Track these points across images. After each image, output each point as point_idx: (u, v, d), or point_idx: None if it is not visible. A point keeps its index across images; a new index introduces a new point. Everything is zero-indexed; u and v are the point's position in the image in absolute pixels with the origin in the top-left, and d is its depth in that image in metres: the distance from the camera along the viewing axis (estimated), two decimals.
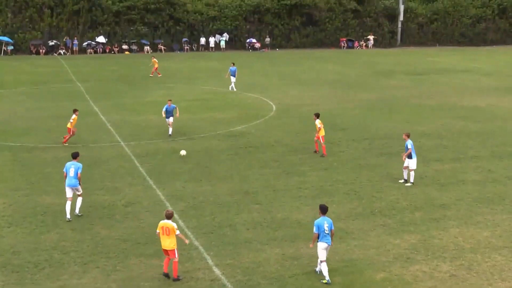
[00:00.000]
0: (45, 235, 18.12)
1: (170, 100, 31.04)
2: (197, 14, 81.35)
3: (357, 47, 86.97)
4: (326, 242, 15.22)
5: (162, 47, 78.88)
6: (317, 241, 15.31)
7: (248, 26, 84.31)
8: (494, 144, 29.57)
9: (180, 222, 19.14)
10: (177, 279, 15.33)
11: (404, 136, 23.65)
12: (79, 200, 19.83)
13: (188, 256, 16.68)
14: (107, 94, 44.10)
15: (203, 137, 30.82)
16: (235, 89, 45.55)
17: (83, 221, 19.29)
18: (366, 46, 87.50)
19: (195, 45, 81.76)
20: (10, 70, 58.94)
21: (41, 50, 74.37)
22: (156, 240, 17.27)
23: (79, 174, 19.61)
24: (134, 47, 78.33)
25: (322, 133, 27.29)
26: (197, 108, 38.80)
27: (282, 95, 43.94)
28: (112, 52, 76.94)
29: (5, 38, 73.01)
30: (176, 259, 15.43)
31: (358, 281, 15.37)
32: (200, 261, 16.47)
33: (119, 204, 20.84)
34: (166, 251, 15.54)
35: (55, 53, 74.84)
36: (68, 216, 19.41)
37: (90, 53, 75.90)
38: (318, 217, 15.49)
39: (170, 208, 17.78)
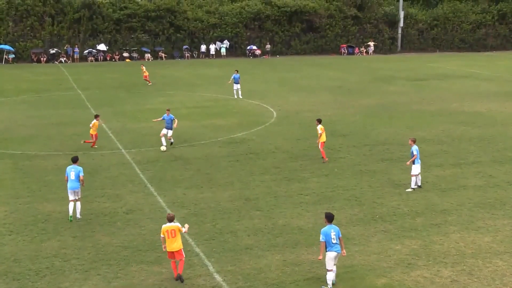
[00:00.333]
0: (46, 243, 18.13)
1: (169, 110, 30.31)
2: (197, 21, 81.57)
3: (358, 53, 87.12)
4: (336, 251, 15.01)
5: (163, 55, 79.06)
6: (325, 251, 15.07)
7: (248, 33, 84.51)
8: (495, 149, 29.57)
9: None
10: (181, 276, 15.55)
11: (410, 142, 23.59)
12: (78, 205, 20.13)
13: (189, 263, 16.66)
14: (108, 102, 44.18)
15: (204, 144, 30.85)
16: (240, 96, 45.38)
17: (84, 228, 19.30)
18: (367, 52, 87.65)
19: (196, 52, 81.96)
20: (11, 78, 59.10)
21: (42, 58, 74.60)
22: (157, 247, 17.33)
23: (81, 177, 20.00)
24: (134, 54, 78.53)
25: (323, 139, 27.35)
26: (197, 115, 38.86)
27: (283, 102, 44.00)
28: (113, 60, 77.12)
29: (7, 47, 73.28)
30: (184, 257, 15.71)
31: (359, 287, 15.35)
32: (201, 267, 16.47)
33: (120, 211, 20.85)
34: (173, 254, 15.65)
35: (56, 61, 75.05)
36: (71, 213, 19.95)
37: (91, 61, 76.08)
38: (324, 226, 15.25)
39: (171, 212, 17.80)
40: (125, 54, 77.96)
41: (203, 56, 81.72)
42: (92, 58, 76.54)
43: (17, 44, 74.67)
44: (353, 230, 19.11)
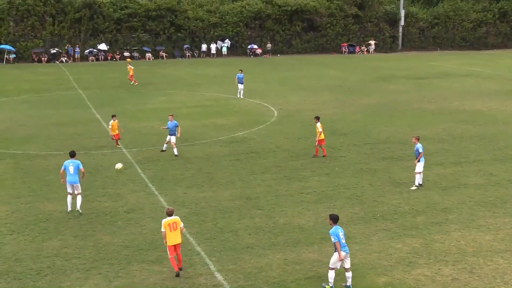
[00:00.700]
0: (47, 242, 18.15)
1: (172, 115, 29.08)
2: (198, 21, 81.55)
3: (358, 52, 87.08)
4: (345, 251, 14.98)
5: (164, 54, 79.06)
6: (334, 250, 15.04)
7: (249, 32, 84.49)
8: (496, 148, 29.56)
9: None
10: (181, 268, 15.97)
11: (413, 140, 23.58)
12: (79, 198, 20.54)
13: (190, 262, 16.69)
14: (108, 101, 44.20)
15: (205, 143, 30.87)
16: (241, 96, 45.18)
17: (85, 227, 19.32)
18: (367, 51, 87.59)
19: (197, 51, 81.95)
20: (12, 78, 59.14)
21: (43, 58, 74.61)
22: (159, 246, 17.35)
23: (82, 169, 20.63)
24: (135, 54, 78.52)
25: (322, 136, 27.43)
26: (198, 114, 38.88)
27: (284, 101, 44.00)
28: (114, 59, 77.12)
29: (7, 47, 73.32)
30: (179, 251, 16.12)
31: (360, 285, 15.35)
32: (202, 266, 16.48)
33: (121, 211, 20.86)
34: (174, 247, 15.86)
35: (57, 61, 75.06)
36: (70, 208, 20.51)
37: (92, 60, 76.10)
38: (330, 227, 15.09)
39: (170, 207, 17.82)
40: (126, 54, 77.96)
41: (204, 55, 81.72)
42: (93, 57, 76.57)
43: (18, 44, 74.69)
44: (354, 229, 19.11)
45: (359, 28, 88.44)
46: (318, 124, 27.50)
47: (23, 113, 39.68)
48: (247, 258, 16.97)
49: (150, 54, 78.49)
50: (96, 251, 17.48)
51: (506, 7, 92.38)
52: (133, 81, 53.20)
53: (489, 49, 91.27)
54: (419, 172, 23.17)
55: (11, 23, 75.41)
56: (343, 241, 14.99)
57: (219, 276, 15.88)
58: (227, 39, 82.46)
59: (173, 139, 28.21)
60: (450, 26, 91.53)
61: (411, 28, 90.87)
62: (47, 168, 26.14)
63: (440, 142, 30.65)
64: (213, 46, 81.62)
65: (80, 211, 20.49)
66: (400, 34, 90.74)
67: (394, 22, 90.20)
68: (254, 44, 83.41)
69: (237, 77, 45.69)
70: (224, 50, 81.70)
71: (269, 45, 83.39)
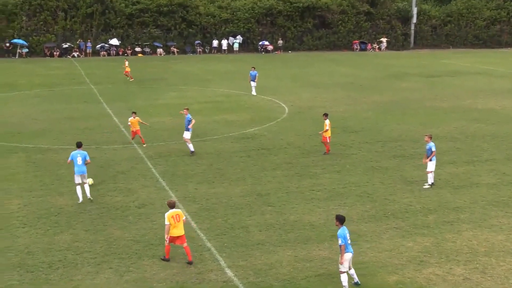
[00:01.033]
0: (59, 236, 18.23)
1: (187, 109, 28.57)
2: (209, 16, 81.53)
3: (370, 49, 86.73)
4: (351, 252, 14.88)
5: (175, 50, 79.13)
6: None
7: (260, 29, 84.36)
8: (509, 147, 29.35)
9: (193, 223, 19.20)
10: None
11: (426, 139, 23.41)
12: (87, 187, 21.31)
13: (201, 258, 16.71)
14: (120, 96, 44.31)
15: (216, 139, 30.88)
16: (254, 93, 44.83)
17: (96, 222, 19.38)
18: (379, 48, 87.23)
19: (208, 47, 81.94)
20: (24, 72, 59.40)
21: (55, 53, 74.89)
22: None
23: (88, 161, 21.37)
24: (147, 49, 78.64)
25: (329, 133, 27.40)
26: (209, 110, 38.89)
27: (295, 98, 43.92)
28: (125, 54, 77.23)
29: (20, 41, 73.65)
30: (186, 243, 16.41)
31: (370, 284, 15.31)
32: (212, 262, 16.49)
33: (132, 206, 20.91)
34: (175, 238, 16.16)
35: (69, 55, 75.31)
36: (81, 199, 21.09)
37: (104, 55, 76.28)
38: (338, 228, 14.85)
39: (171, 199, 17.85)
40: (138, 49, 78.10)
41: (215, 51, 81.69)
42: (104, 52, 76.75)
43: (30, 38, 75.01)
44: (364, 227, 19.06)
45: (371, 25, 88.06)
46: (327, 121, 27.44)
47: (35, 107, 39.86)
48: (258, 255, 16.96)
49: (161, 50, 78.59)
50: (107, 246, 17.54)
51: None
52: (129, 76, 53.26)
53: (502, 48, 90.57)
54: (431, 171, 23.04)
55: (24, 18, 75.73)
56: (349, 241, 14.86)
57: (229, 272, 15.89)
58: (239, 35, 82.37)
59: (185, 134, 27.71)
60: (463, 24, 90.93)
61: (423, 25, 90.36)
62: (59, 162, 26.22)
63: (452, 141, 30.49)
64: (224, 42, 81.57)
65: (91, 198, 21.13)
66: (412, 31, 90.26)
67: (406, 19, 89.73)
68: (266, 40, 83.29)
69: (250, 74, 45.44)
70: (236, 46, 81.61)
71: (280, 42, 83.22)
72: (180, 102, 41.34)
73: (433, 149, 22.90)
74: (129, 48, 77.84)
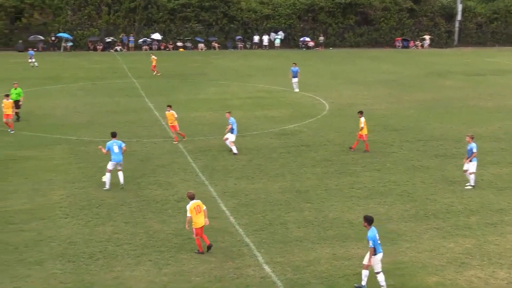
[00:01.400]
0: (100, 227, 18.51)
1: (229, 112, 28.05)
2: (251, 12, 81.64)
3: (413, 47, 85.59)
4: (381, 252, 14.70)
5: (216, 45, 79.46)
6: (374, 254, 14.68)
7: (302, 25, 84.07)
8: None
9: (232, 219, 19.27)
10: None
11: (467, 139, 22.97)
12: (121, 174, 22.16)
13: (239, 253, 16.75)
14: (161, 91, 44.72)
15: (256, 134, 30.90)
16: (297, 90, 44.46)
17: (136, 214, 19.61)
18: (422, 46, 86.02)
19: (249, 43, 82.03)
20: (69, 66, 60.49)
21: (98, 47, 76.03)
22: (208, 235, 17.46)
23: (124, 148, 22.40)
24: (188, 44, 79.17)
25: (365, 131, 27.13)
26: (250, 106, 38.93)
27: (335, 94, 43.64)
28: (167, 49, 77.92)
29: (65, 35, 75.05)
30: None
31: (409, 284, 15.11)
32: (250, 258, 16.51)
33: (171, 199, 21.09)
34: (201, 229, 16.50)
35: (112, 49, 76.36)
36: (108, 186, 21.86)
37: (146, 49, 77.06)
38: (367, 230, 14.63)
39: (190, 190, 17.92)
40: (179, 44, 78.69)
41: (256, 47, 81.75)
42: (146, 47, 77.55)
43: (75, 32, 76.37)
44: (404, 226, 18.83)
45: (413, 22, 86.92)
46: (362, 119, 27.19)
47: (79, 100, 40.54)
48: (296, 251, 16.92)
49: (202, 45, 79.02)
50: (146, 238, 17.73)
51: None
52: (155, 71, 53.56)
53: None
54: (473, 172, 22.58)
55: (69, 12, 77.15)
56: (379, 242, 14.64)
57: (267, 268, 15.88)
58: (281, 31, 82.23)
59: (231, 136, 27.09)
60: (511, 21, 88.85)
61: (468, 23, 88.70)
62: (100, 155, 26.49)
63: (496, 141, 29.86)
64: (265, 38, 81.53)
65: (124, 185, 22.03)
66: (457, 29, 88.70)
67: (450, 16, 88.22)
68: (307, 36, 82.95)
69: (291, 70, 45.16)
70: (278, 42, 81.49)
71: (321, 38, 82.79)
72: (221, 98, 41.57)
73: (474, 150, 22.44)
74: (170, 43, 78.51)
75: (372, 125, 33.05)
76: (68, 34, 75.48)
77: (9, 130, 30.67)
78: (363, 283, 14.74)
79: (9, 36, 75.13)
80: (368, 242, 14.51)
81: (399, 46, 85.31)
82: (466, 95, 44.13)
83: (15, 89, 33.85)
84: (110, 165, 22.09)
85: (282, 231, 18.39)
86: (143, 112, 36.30)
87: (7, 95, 31.66)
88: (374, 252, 14.51)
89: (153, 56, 55.37)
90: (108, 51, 75.91)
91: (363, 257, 16.33)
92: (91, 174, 23.87)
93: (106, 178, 22.00)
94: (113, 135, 22.66)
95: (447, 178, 23.76)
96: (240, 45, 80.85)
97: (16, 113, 33.41)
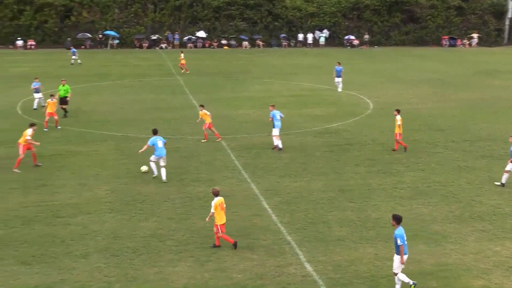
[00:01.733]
0: (143, 223, 18.76)
1: (273, 105, 28.08)
2: (295, 10, 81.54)
3: (460, 45, 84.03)
4: (407, 254, 14.53)
5: (260, 43, 79.59)
6: (396, 253, 14.51)
7: (346, 23, 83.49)
8: None
9: (274, 217, 19.28)
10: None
11: (511, 139, 22.55)
12: (164, 170, 22.71)
13: (280, 251, 16.76)
14: (205, 88, 45.04)
15: (299, 132, 30.84)
16: (339, 90, 43.86)
17: (179, 211, 19.81)
18: (470, 44, 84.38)
19: (293, 41, 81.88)
20: (115, 63, 61.52)
21: (144, 44, 77.07)
22: (250, 233, 17.60)
23: (165, 142, 23.22)
24: (233, 42, 79.51)
25: (399, 130, 26.83)
26: (293, 104, 38.86)
27: (380, 93, 43.20)
28: (212, 47, 78.45)
29: (112, 33, 76.38)
30: None
31: (453, 286, 14.85)
32: (292, 256, 16.50)
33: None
34: (223, 226, 16.70)
35: (157, 47, 77.29)
36: (156, 173, 22.94)
37: (190, 47, 77.78)
38: (395, 228, 14.48)
39: (216, 187, 17.92)
40: (224, 42, 79.12)
41: (300, 45, 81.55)
42: (191, 44, 78.25)
43: (121, 30, 77.64)
44: (448, 228, 18.52)
45: (461, 20, 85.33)
46: (398, 117, 26.85)
47: (124, 97, 41.18)
48: (338, 251, 16.83)
49: (247, 43, 79.29)
50: (189, 234, 17.89)
51: None
52: (184, 69, 53.75)
53: None
54: (509, 171, 22.13)
55: (116, 10, 78.48)
56: (406, 242, 14.46)
57: (308, 267, 15.85)
58: (325, 29, 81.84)
59: (276, 131, 27.22)
60: None
61: None
62: (145, 151, 26.92)
63: None
64: (309, 36, 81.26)
65: (166, 180, 22.54)
66: (507, 27, 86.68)
67: (500, 14, 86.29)
68: (351, 35, 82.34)
69: (335, 69, 44.70)
70: (322, 40, 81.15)
71: (366, 36, 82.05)
72: (265, 95, 41.61)
73: None
74: (215, 41, 79.01)
75: (417, 124, 32.68)
76: (115, 32, 76.79)
77: (44, 129, 30.43)
78: (408, 280, 14.61)
79: (58, 34, 76.91)
80: (396, 240, 14.29)
81: (446, 44, 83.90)
82: None
83: (63, 85, 34.62)
84: (153, 157, 23.00)
85: (324, 229, 18.32)
86: (187, 109, 36.63)
87: (52, 95, 32.31)
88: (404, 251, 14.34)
89: (182, 54, 55.69)
90: (154, 48, 76.87)
91: (408, 259, 16.17)
92: (135, 170, 24.21)
93: (152, 166, 23.00)
94: (155, 132, 23.38)
95: (494, 179, 23.23)
96: (284, 43, 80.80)
97: (64, 109, 34.18)
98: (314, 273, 15.52)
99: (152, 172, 23.14)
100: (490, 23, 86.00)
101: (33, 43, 75.31)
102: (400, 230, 14.39)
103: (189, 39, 78.61)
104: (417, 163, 25.52)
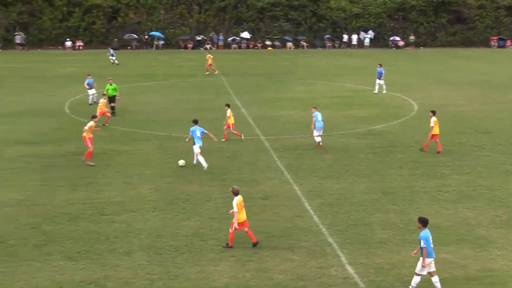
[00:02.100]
0: (186, 222, 18.95)
1: (315, 107, 28.40)
2: (340, 11, 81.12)
3: (510, 46, 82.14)
4: (432, 257, 14.36)
5: (305, 44, 79.45)
6: (420, 255, 14.39)
7: (392, 24, 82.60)
8: None
9: (315, 218, 19.23)
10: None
11: None
12: (200, 158, 24.21)
13: (322, 252, 16.71)
14: (249, 89, 45.21)
15: (342, 134, 30.67)
16: (383, 91, 43.34)
17: (221, 210, 19.93)
18: None
19: (338, 42, 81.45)
20: (161, 63, 62.30)
21: (188, 45, 77.83)
22: (292, 234, 17.60)
23: (207, 132, 24.71)
24: (277, 43, 79.57)
25: (436, 131, 26.58)
26: (337, 105, 38.66)
27: (425, 95, 42.60)
28: (256, 47, 78.69)
29: (158, 33, 77.38)
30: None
31: None
32: (333, 258, 16.44)
33: (256, 197, 21.28)
34: (243, 223, 16.92)
35: (202, 47, 77.94)
36: (204, 164, 24.08)
37: (235, 48, 78.18)
38: (421, 230, 14.39)
39: (236, 186, 17.90)
40: (268, 43, 79.25)
41: (345, 46, 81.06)
42: (235, 45, 78.62)
43: (167, 31, 78.61)
44: (495, 233, 18.14)
45: (511, 20, 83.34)
46: (433, 119, 26.42)
47: (169, 97, 41.66)
48: (380, 253, 16.68)
49: (291, 44, 79.24)
50: None
51: None
52: (212, 69, 53.64)
53: None
54: None
55: (162, 11, 79.48)
56: (432, 245, 14.27)
57: (350, 269, 15.76)
58: (371, 30, 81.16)
59: (317, 132, 27.51)
60: None
61: None
62: (187, 150, 27.18)
63: None
64: (354, 37, 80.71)
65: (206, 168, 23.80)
66: None
67: None
68: (397, 36, 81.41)
69: (377, 71, 44.19)
70: (367, 41, 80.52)
71: (412, 37, 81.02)
72: (308, 96, 41.52)
73: None
74: (259, 42, 79.22)
75: (464, 127, 32.13)
76: (160, 32, 77.79)
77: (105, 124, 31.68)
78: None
79: (105, 35, 78.35)
80: (419, 242, 14.20)
81: (494, 45, 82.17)
82: None
83: (110, 85, 35.37)
84: (196, 148, 24.32)
85: (366, 232, 18.18)
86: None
87: (104, 95, 33.46)
88: (427, 254, 14.17)
89: (209, 55, 55.76)
90: (198, 49, 77.54)
91: (449, 262, 15.98)
92: (178, 169, 24.48)
93: (200, 159, 24.15)
94: (195, 121, 24.97)
95: None
96: (328, 44, 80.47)
97: (112, 107, 34.92)
98: (355, 275, 15.42)
99: (201, 165, 24.11)
100: None
101: (81, 44, 76.97)
102: (425, 232, 14.31)
103: (233, 40, 79.03)
104: (463, 166, 25.07)
